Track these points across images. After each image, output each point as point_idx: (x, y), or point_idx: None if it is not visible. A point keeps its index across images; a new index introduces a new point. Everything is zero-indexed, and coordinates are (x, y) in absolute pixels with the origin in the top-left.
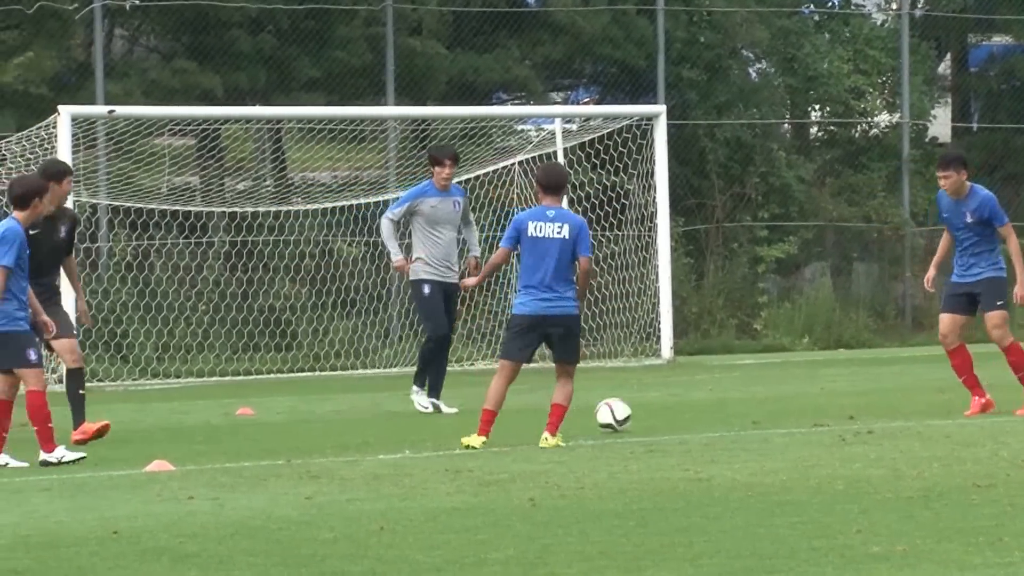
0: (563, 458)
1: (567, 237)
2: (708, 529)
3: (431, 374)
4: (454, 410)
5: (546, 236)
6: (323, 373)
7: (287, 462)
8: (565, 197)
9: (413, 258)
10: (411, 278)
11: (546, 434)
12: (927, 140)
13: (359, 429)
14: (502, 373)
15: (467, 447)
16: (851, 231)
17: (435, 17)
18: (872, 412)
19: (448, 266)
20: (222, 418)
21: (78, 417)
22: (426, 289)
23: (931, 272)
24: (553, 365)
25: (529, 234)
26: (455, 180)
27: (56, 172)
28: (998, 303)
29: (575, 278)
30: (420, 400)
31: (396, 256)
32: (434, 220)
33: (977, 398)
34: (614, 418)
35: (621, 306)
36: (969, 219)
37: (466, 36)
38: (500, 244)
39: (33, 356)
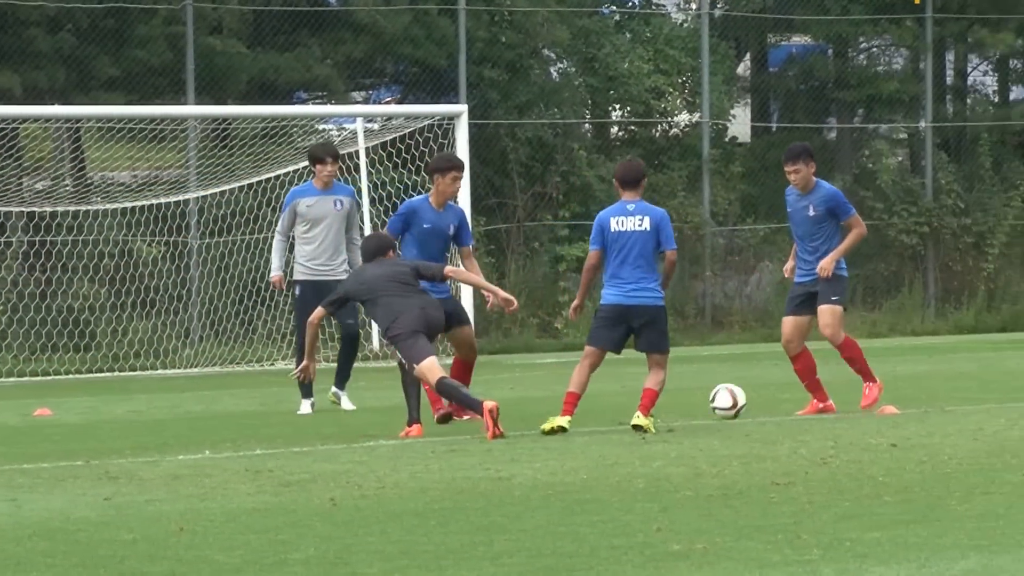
0: (364, 458)
1: (648, 229)
2: (509, 528)
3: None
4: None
5: (627, 230)
6: (122, 374)
7: (86, 463)
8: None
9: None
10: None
11: (638, 413)
12: (727, 140)
13: (158, 430)
14: (586, 359)
15: (552, 430)
16: None
17: (235, 16)
18: (673, 410)
19: (328, 264)
20: (20, 419)
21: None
22: (297, 290)
23: (789, 263)
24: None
25: (612, 229)
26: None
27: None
28: (833, 297)
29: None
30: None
31: (274, 271)
32: (310, 219)
33: (816, 401)
34: (735, 402)
35: None
36: (811, 212)
37: (267, 35)
38: (590, 247)
39: None
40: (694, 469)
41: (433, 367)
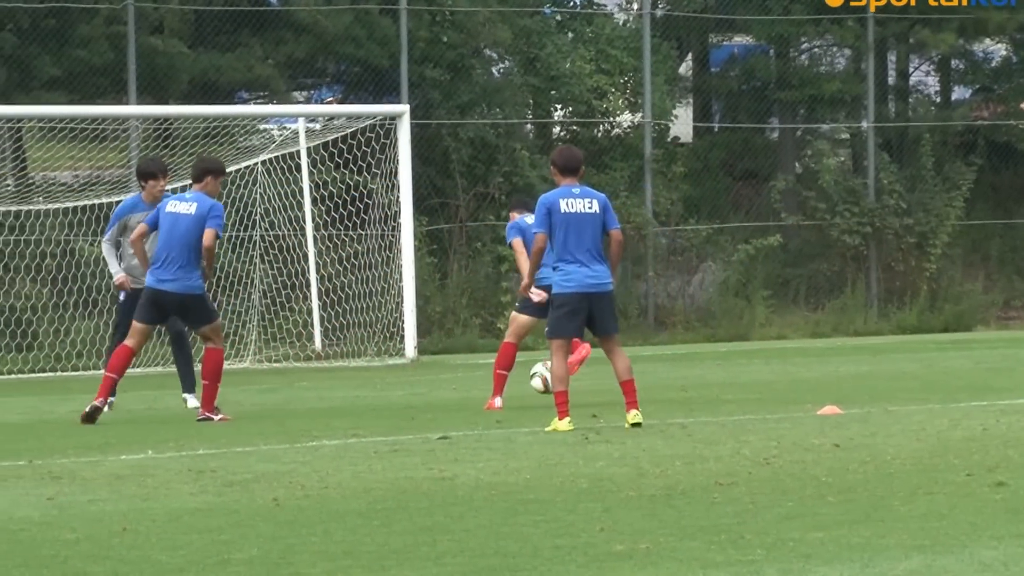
0: (307, 458)
1: (597, 212)
2: (452, 528)
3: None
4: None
5: (579, 211)
6: (64, 373)
7: (28, 463)
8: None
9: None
10: None
11: (634, 411)
12: (669, 140)
13: (101, 429)
14: (560, 352)
15: (554, 430)
16: None
17: (177, 16)
18: (615, 410)
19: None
20: None
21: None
22: (121, 296)
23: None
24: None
25: (562, 211)
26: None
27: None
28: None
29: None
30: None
31: (116, 274)
32: None
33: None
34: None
35: (365, 305)
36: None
37: (208, 35)
38: (534, 230)
39: None
40: (637, 469)
41: None
